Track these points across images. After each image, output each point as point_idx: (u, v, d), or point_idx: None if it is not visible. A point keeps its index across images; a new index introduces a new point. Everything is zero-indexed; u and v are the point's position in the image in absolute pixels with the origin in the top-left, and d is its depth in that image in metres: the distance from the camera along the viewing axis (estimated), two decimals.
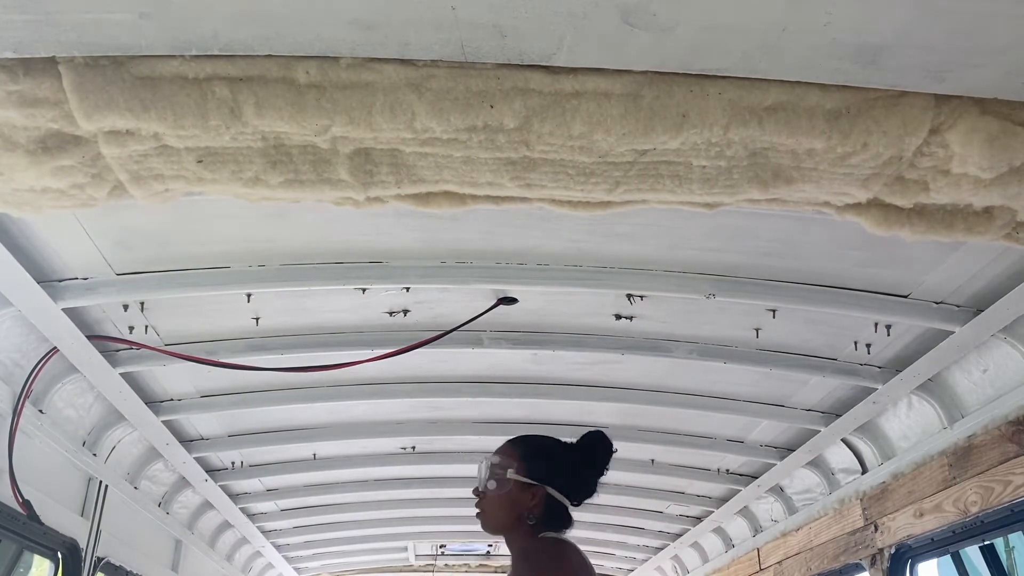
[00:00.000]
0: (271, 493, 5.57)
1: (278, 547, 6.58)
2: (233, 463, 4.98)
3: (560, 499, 2.21)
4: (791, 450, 4.60)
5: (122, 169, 1.85)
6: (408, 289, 3.15)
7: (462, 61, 1.71)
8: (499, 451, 2.30)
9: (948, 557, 3.94)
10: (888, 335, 3.31)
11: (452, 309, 3.28)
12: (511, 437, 2.35)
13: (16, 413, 3.13)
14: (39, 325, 2.96)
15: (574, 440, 2.32)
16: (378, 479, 5.61)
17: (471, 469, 5.42)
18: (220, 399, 4.00)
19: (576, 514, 2.30)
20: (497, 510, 2.23)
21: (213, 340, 3.40)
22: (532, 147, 1.83)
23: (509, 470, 2.22)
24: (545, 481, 2.21)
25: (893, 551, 4.05)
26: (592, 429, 2.32)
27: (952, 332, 3.09)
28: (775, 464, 4.77)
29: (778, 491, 5.24)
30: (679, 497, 5.74)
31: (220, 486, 5.02)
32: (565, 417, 4.47)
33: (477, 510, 2.28)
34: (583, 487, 2.27)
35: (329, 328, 3.43)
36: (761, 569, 5.64)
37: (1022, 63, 1.67)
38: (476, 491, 2.27)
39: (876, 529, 4.23)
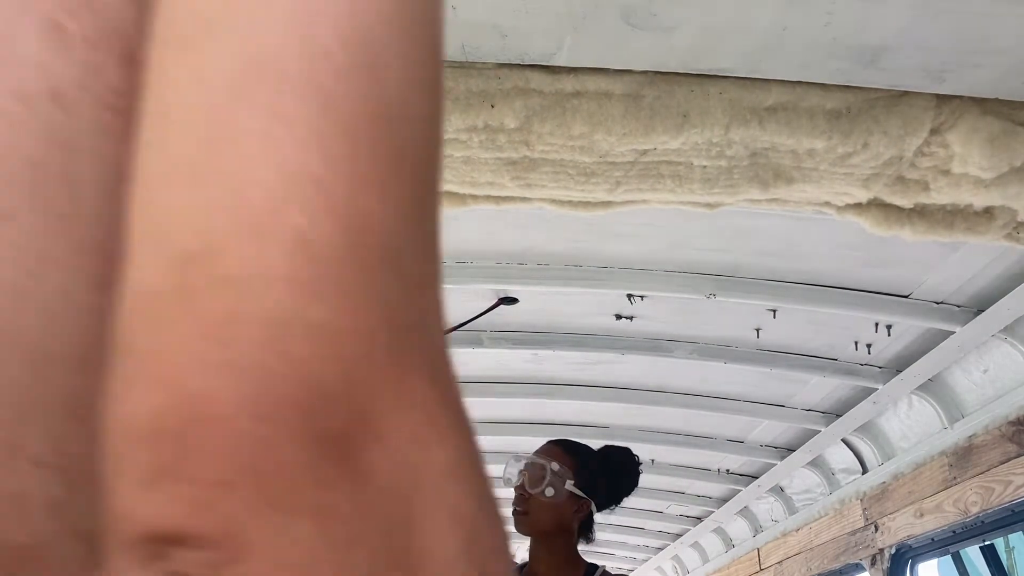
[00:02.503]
0: None
1: None
2: None
3: (594, 512, 2.25)
4: (791, 450, 4.60)
5: None
6: None
7: (462, 61, 1.71)
8: (555, 456, 2.28)
9: (948, 557, 3.94)
10: (888, 335, 3.31)
11: (452, 309, 3.28)
12: (562, 440, 2.35)
13: None
14: None
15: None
16: None
17: None
18: None
19: None
20: (544, 515, 2.23)
21: None
22: (533, 147, 1.83)
23: (568, 481, 2.22)
24: (592, 495, 2.23)
25: (893, 551, 4.05)
26: (633, 454, 2.35)
27: (952, 332, 3.09)
28: (775, 464, 4.77)
29: (778, 491, 5.23)
30: (679, 497, 5.73)
31: None
32: (565, 417, 4.47)
33: (519, 509, 2.26)
34: (609, 505, 2.30)
35: None
36: (761, 569, 5.64)
37: (1022, 63, 1.67)
38: (522, 489, 2.25)
39: (876, 529, 4.23)
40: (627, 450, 2.36)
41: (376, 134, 0.28)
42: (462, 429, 0.28)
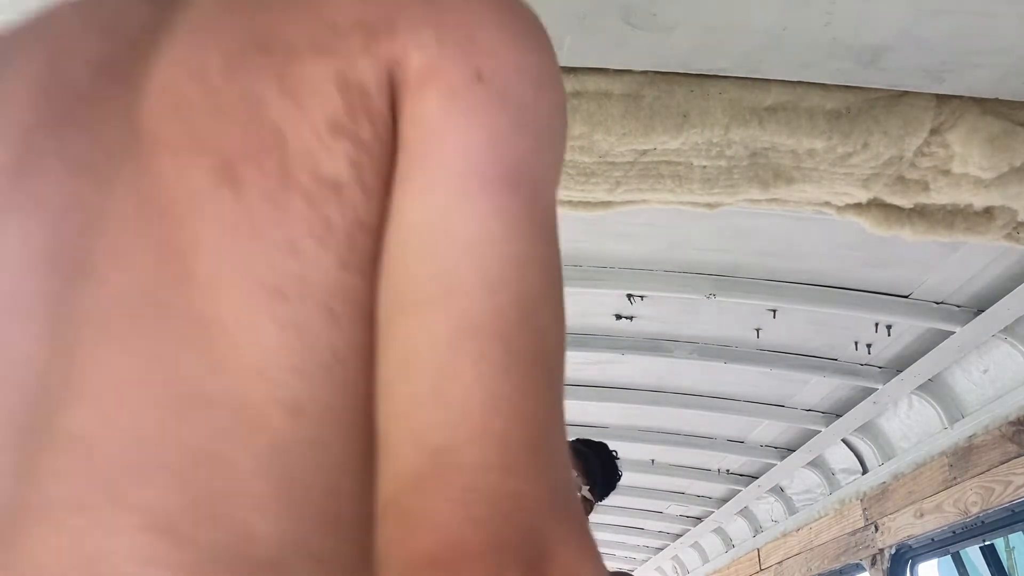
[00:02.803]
0: None
1: None
2: None
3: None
4: (791, 450, 4.59)
5: None
6: None
7: None
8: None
9: (948, 557, 3.94)
10: (888, 335, 3.31)
11: None
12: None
13: None
14: None
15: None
16: None
17: None
18: None
19: None
20: None
21: None
22: None
23: (584, 487, 2.26)
24: (595, 495, 2.28)
25: (893, 551, 4.05)
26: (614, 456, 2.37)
27: (952, 332, 3.09)
28: (775, 464, 4.77)
29: (778, 491, 5.23)
30: (679, 497, 5.73)
31: None
32: (565, 417, 4.46)
33: None
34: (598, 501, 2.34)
35: None
36: (761, 569, 5.64)
37: (1022, 63, 1.67)
38: None
39: (876, 529, 4.23)
40: (605, 445, 2.39)
41: (537, 362, 0.45)
42: (595, 548, 0.43)
